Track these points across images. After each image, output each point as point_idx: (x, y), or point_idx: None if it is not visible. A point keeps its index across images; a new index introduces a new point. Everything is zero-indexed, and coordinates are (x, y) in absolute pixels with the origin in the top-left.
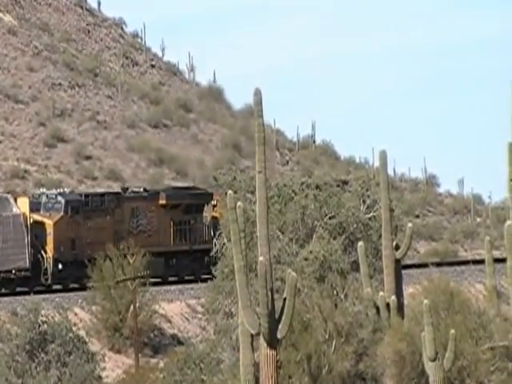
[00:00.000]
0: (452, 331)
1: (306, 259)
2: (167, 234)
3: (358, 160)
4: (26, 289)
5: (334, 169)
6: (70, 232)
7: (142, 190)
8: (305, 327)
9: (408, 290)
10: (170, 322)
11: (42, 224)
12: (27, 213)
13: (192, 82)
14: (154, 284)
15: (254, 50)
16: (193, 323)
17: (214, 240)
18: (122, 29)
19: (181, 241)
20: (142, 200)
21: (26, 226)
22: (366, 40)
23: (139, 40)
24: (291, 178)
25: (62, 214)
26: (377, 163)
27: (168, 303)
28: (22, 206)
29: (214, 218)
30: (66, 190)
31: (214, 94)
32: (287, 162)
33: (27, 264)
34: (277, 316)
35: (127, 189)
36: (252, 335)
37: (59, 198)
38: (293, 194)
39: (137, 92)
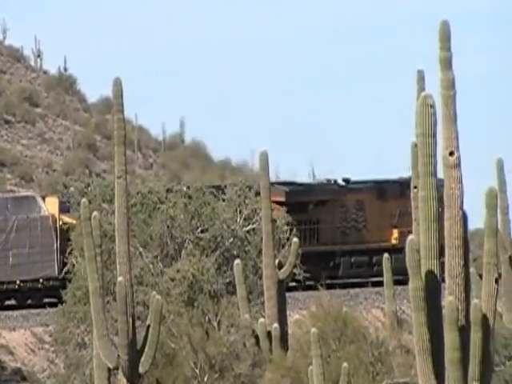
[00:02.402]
0: (344, 365)
1: (172, 279)
2: None
3: (234, 163)
4: (54, 300)
5: (206, 173)
6: None
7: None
8: (171, 360)
9: (293, 317)
10: (11, 353)
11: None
12: (56, 214)
13: (39, 70)
14: None
15: (112, 32)
16: (39, 355)
17: None
18: None
19: None
20: None
21: (55, 230)
22: (248, 23)
23: None
24: (156, 183)
25: None
26: (257, 167)
27: (10, 331)
28: (51, 206)
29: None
30: None
31: (65, 84)
32: (151, 165)
33: (56, 272)
34: (138, 347)
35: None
36: (109, 369)
37: None
38: (159, 203)
39: None
